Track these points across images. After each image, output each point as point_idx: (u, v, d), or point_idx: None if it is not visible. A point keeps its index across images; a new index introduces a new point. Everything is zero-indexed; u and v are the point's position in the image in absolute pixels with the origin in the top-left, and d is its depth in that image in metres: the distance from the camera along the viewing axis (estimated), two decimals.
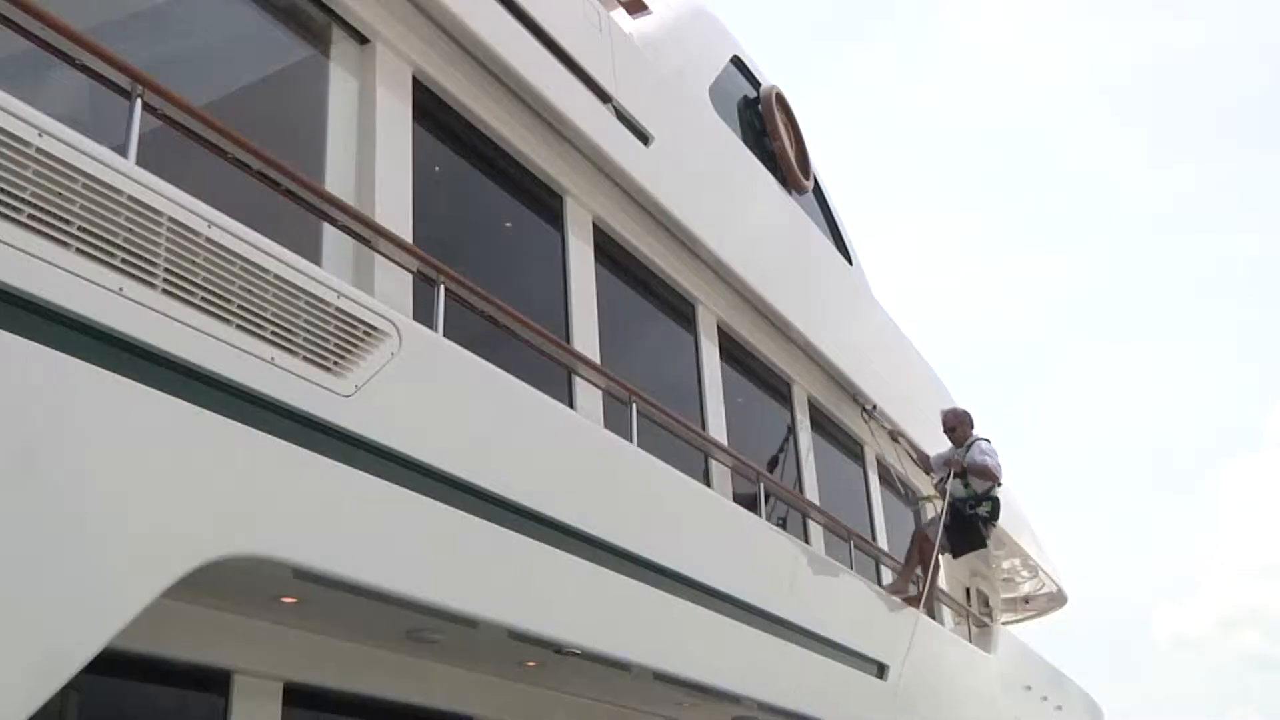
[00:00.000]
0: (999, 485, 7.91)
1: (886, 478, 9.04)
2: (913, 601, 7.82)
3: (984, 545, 8.06)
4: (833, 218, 9.39)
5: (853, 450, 9.18)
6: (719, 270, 6.84)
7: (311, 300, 3.46)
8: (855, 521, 8.33)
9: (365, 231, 4.19)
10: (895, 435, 9.02)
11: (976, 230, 48.85)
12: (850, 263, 9.51)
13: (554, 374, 5.40)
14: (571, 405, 5.37)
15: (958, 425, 8.22)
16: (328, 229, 4.19)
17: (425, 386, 3.91)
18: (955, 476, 7.96)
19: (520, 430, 4.36)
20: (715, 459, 6.37)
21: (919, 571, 8.02)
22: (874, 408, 8.84)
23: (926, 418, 10.18)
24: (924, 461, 8.85)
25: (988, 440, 8.02)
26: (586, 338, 5.67)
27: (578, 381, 5.48)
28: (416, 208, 4.66)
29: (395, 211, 4.51)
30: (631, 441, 5.30)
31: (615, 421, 5.42)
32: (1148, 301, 45.67)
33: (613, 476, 5.02)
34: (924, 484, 9.43)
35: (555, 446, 4.63)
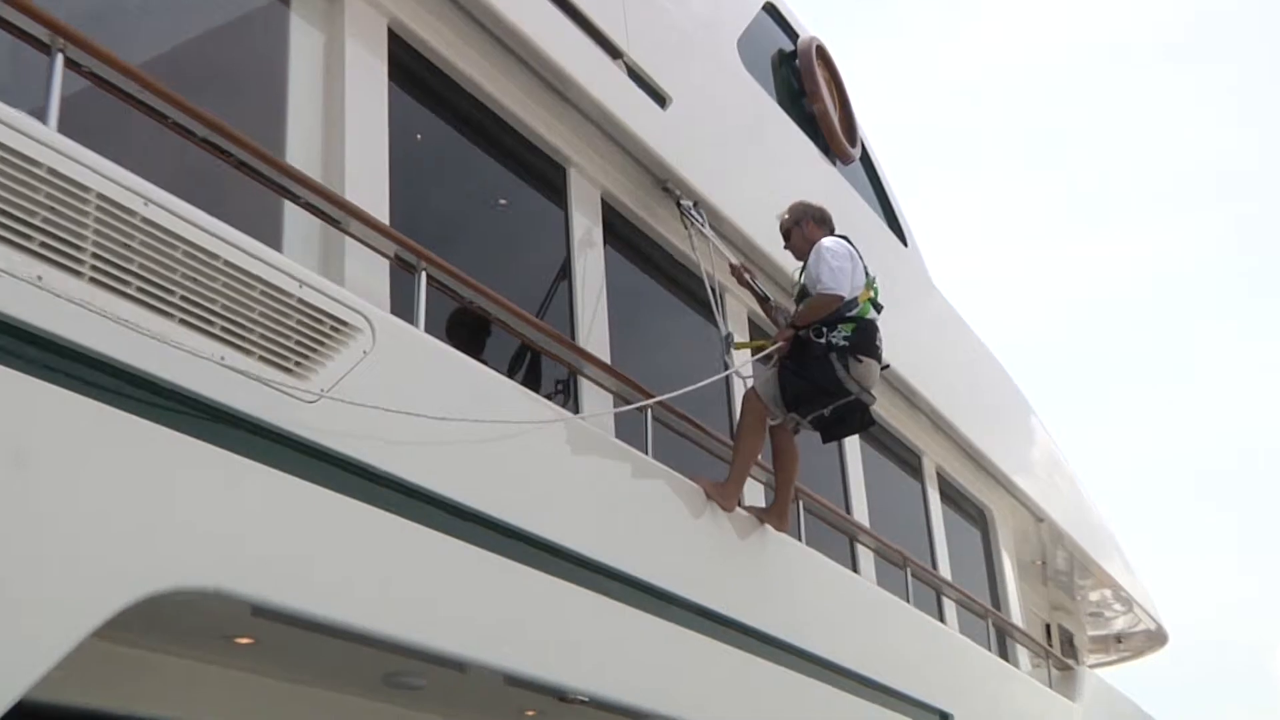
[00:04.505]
0: (844, 298, 5.42)
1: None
2: (766, 517, 5.83)
3: (845, 395, 5.48)
4: (884, 191, 9.33)
5: (910, 462, 9.11)
6: (750, 253, 6.79)
7: (269, 290, 3.45)
8: (905, 545, 8.25)
9: (333, 210, 4.18)
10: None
11: (1051, 200, 48.33)
12: (905, 243, 9.45)
13: (558, 374, 5.38)
14: (576, 410, 5.34)
15: (793, 228, 5.87)
16: (289, 208, 4.17)
17: (404, 390, 3.88)
18: (797, 303, 5.70)
19: (516, 441, 4.34)
20: (755, 479, 6.32)
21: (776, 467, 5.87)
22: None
23: (996, 421, 10.10)
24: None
25: (839, 239, 5.65)
26: (595, 333, 5.65)
27: (584, 383, 5.45)
28: (393, 183, 4.64)
29: (368, 187, 4.50)
30: (646, 452, 5.27)
31: (628, 430, 5.39)
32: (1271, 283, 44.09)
33: (625, 494, 5.00)
34: None
35: (557, 460, 4.61)
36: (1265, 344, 44.41)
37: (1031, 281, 46.03)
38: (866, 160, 9.14)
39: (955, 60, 49.14)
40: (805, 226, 5.84)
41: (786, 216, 5.95)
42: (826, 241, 5.60)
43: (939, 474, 9.44)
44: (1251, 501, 42.07)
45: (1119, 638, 14.18)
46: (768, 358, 5.64)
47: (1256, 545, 40.37)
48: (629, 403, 5.48)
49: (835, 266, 5.46)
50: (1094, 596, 13.06)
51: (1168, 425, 44.23)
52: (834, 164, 8.35)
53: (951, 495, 9.62)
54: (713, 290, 6.03)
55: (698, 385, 5.45)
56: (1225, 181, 44.79)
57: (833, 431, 5.85)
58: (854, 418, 5.70)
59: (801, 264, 5.79)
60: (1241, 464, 42.55)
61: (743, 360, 6.06)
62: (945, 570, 8.98)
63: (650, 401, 5.34)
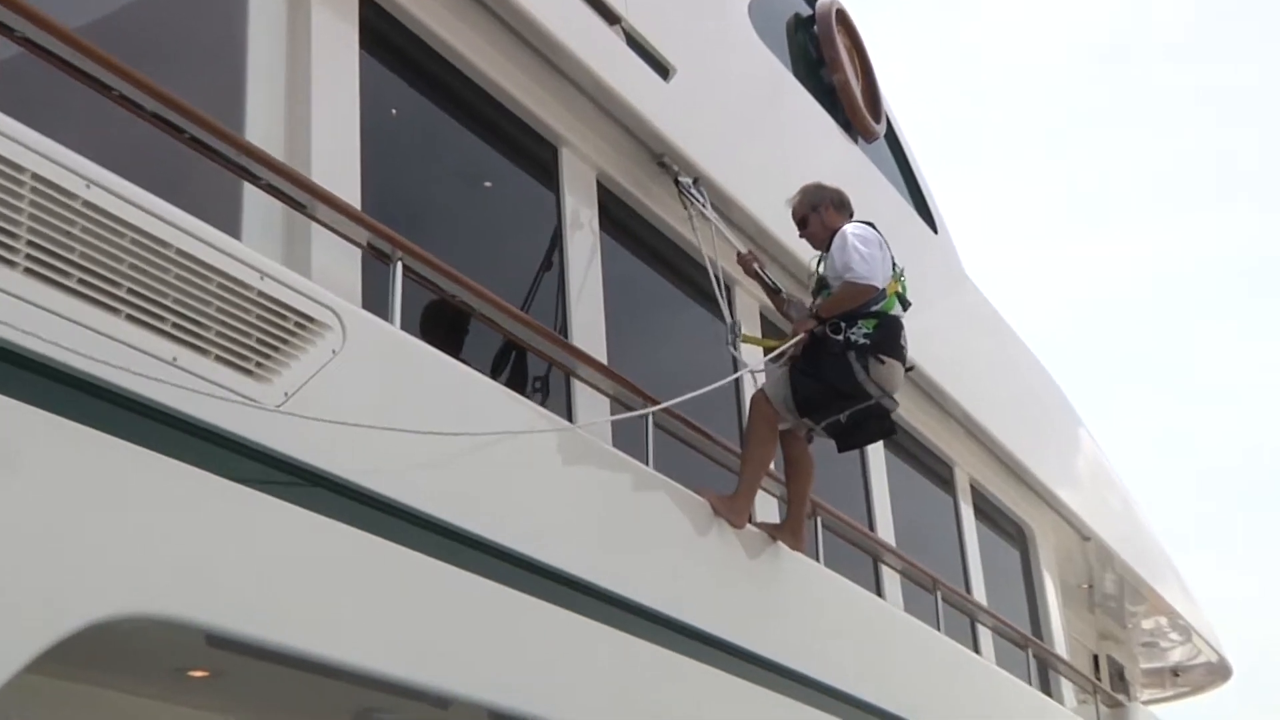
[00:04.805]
0: (879, 293, 5.44)
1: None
2: (780, 535, 5.83)
3: (863, 399, 5.46)
4: (911, 172, 9.36)
5: (940, 474, 9.13)
6: (762, 241, 6.81)
7: (226, 283, 3.45)
8: (935, 566, 8.24)
9: (298, 193, 4.19)
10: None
11: (1051, 200, 48.91)
12: (935, 230, 9.47)
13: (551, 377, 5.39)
14: (569, 416, 5.35)
15: (809, 214, 5.82)
16: (248, 191, 4.18)
17: (378, 394, 3.90)
18: (814, 296, 5.72)
19: (504, 452, 4.35)
20: (768, 492, 6.32)
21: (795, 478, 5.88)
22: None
23: (1038, 428, 10.08)
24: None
25: (864, 225, 5.64)
26: (589, 330, 5.67)
27: (578, 386, 5.47)
28: (366, 163, 4.65)
29: (338, 167, 4.50)
30: (647, 463, 5.28)
31: (627, 438, 5.40)
32: None
33: (623, 510, 5.02)
34: None
35: (549, 472, 4.63)
36: (1266, 344, 45.50)
37: (1032, 281, 46.78)
38: (892, 137, 9.15)
39: (955, 58, 49.86)
40: (824, 212, 5.80)
41: (800, 200, 5.89)
42: (852, 228, 5.58)
43: (973, 487, 9.45)
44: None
45: (1176, 671, 14.17)
46: (782, 354, 5.63)
47: None
48: (627, 407, 5.49)
49: (865, 254, 5.43)
50: (1147, 624, 13.07)
51: (1169, 425, 44.78)
52: (856, 141, 8.36)
53: (987, 511, 9.63)
54: (717, 279, 6.02)
55: (706, 389, 5.43)
56: (1225, 182, 45.88)
57: (849, 439, 5.84)
58: (873, 424, 5.68)
59: (821, 253, 5.78)
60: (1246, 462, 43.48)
61: (753, 356, 6.05)
62: (980, 594, 8.98)
63: (654, 409, 5.34)
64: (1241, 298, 45.61)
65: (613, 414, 5.50)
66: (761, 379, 5.87)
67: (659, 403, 5.41)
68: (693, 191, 6.26)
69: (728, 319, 6.02)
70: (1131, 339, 49.36)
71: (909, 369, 5.66)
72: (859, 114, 8.40)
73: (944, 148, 45.91)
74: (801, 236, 5.95)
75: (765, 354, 5.91)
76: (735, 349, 5.94)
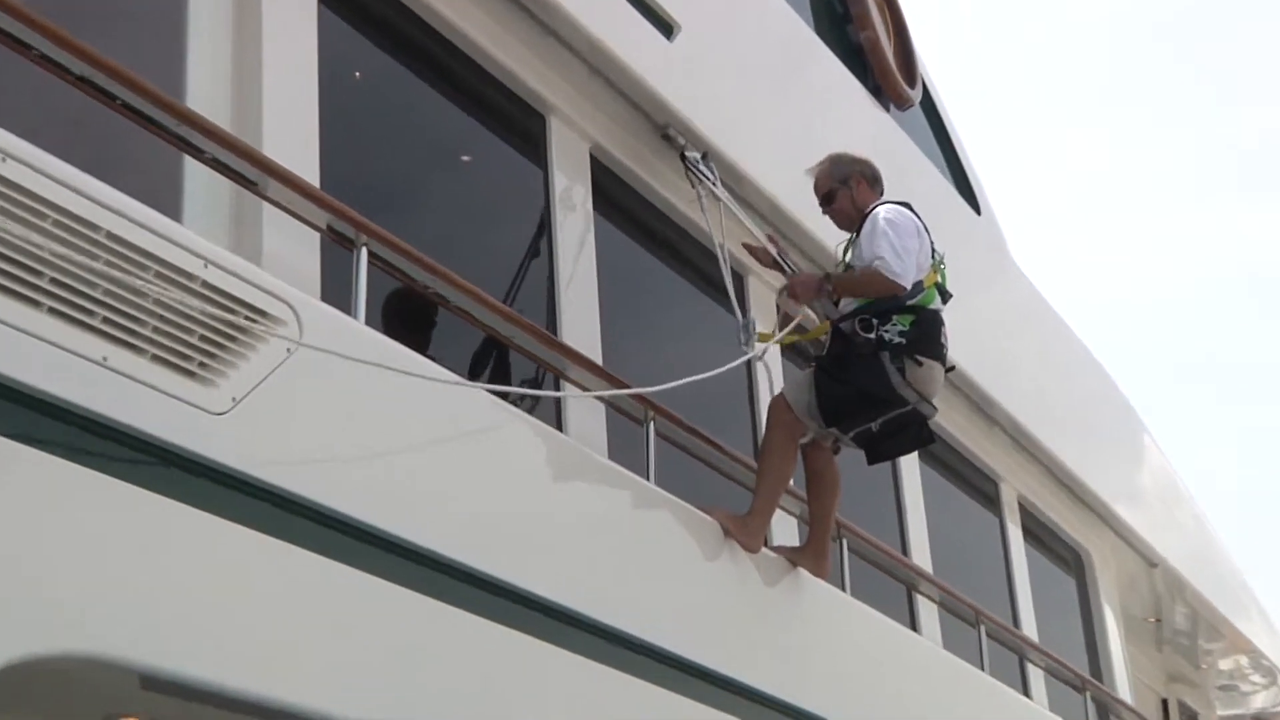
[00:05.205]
0: (905, 289, 5.36)
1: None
2: (801, 560, 5.84)
3: (899, 405, 5.44)
4: (951, 145, 9.39)
5: (985, 490, 9.12)
6: (778, 221, 6.81)
7: (165, 270, 3.44)
8: (979, 596, 8.21)
9: (248, 168, 4.19)
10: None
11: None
12: (978, 211, 9.49)
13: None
14: (560, 426, 5.35)
15: (837, 188, 5.77)
16: (190, 166, 4.18)
17: (339, 399, 3.91)
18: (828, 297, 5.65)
19: (484, 465, 4.36)
20: (787, 511, 6.34)
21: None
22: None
23: (1097, 439, 10.08)
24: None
25: (900, 207, 5.60)
26: (581, 324, 5.68)
27: (567, 388, 5.46)
28: (325, 134, 4.66)
29: (293, 139, 4.51)
30: (648, 478, 5.29)
31: (625, 449, 5.39)
32: None
33: (621, 531, 5.01)
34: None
35: (536, 488, 4.63)
36: None
37: (1093, 267, 46.80)
38: (929, 104, 9.16)
39: (999, 12, 49.95)
40: (855, 186, 5.76)
41: (826, 171, 5.84)
42: (886, 211, 5.55)
43: (1021, 505, 9.46)
44: None
45: (1258, 717, 14.17)
46: (807, 351, 5.61)
47: None
48: (624, 413, 5.49)
49: (900, 245, 5.39)
50: (1225, 664, 13.10)
51: (1245, 427, 44.78)
52: (887, 109, 8.36)
53: (1038, 532, 9.65)
54: (728, 266, 6.01)
55: (712, 373, 5.37)
56: None
57: (882, 450, 5.84)
58: (910, 433, 5.68)
59: (850, 236, 5.77)
60: None
61: (770, 357, 6.04)
62: (1030, 629, 8.99)
63: (646, 390, 5.31)
64: None
65: (609, 423, 5.50)
66: (778, 378, 5.85)
67: (656, 404, 5.41)
68: (701, 168, 6.26)
69: (739, 315, 5.99)
70: (1195, 335, 49.40)
71: (949, 370, 5.65)
72: (890, 77, 8.41)
73: (987, 116, 45.98)
74: (825, 214, 5.92)
75: (783, 343, 5.87)
76: (749, 348, 5.93)
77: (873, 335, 5.38)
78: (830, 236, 6.11)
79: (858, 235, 5.62)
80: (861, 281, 5.45)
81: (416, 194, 5.42)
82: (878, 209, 5.58)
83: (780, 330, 5.96)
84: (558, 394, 5.46)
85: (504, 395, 4.77)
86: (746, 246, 6.26)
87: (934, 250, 5.62)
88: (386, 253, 4.47)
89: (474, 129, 5.73)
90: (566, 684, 4.47)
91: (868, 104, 8.11)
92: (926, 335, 5.46)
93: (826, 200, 5.87)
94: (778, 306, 6.10)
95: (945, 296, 5.63)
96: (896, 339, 5.39)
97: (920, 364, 5.42)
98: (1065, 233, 49.23)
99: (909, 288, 5.41)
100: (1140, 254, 49.07)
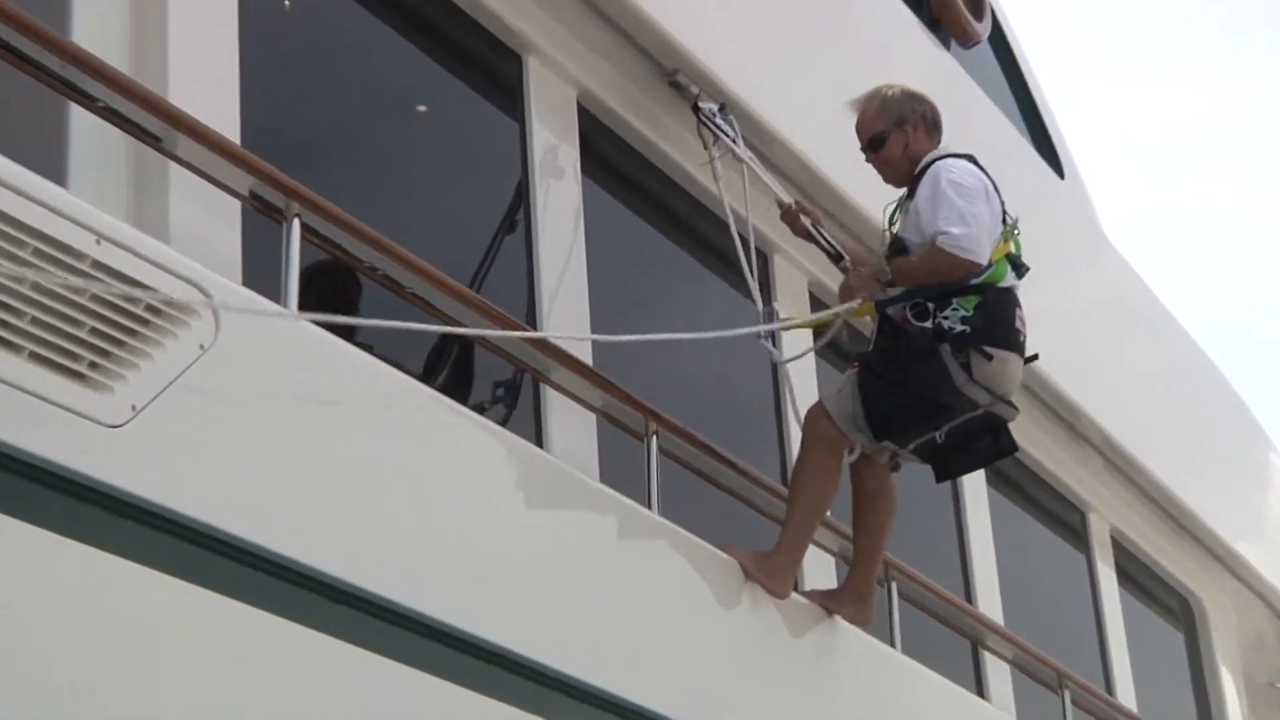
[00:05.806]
0: (981, 265, 5.37)
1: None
2: (839, 606, 5.85)
3: (967, 409, 5.41)
4: (1029, 92, 9.47)
5: (1069, 523, 9.10)
6: (814, 190, 6.81)
7: (47, 248, 3.43)
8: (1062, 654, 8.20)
9: (150, 121, 4.19)
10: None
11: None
12: (1061, 173, 9.54)
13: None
14: (540, 441, 5.39)
15: (890, 131, 5.70)
16: (78, 116, 4.19)
17: (264, 409, 3.91)
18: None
19: (449, 489, 4.38)
20: (823, 547, 6.33)
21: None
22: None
23: (1210, 460, 10.11)
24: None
25: (964, 160, 5.60)
26: (567, 312, 5.71)
27: (549, 394, 5.49)
28: (246, 80, 4.67)
29: (207, 85, 4.52)
30: (650, 506, 5.31)
31: (621, 470, 5.42)
32: None
33: (618, 571, 5.03)
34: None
35: (514, 517, 4.65)
36: None
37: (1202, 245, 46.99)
38: (1000, 41, 9.21)
39: None
40: (912, 131, 5.70)
41: (877, 108, 5.74)
42: (948, 166, 5.51)
43: (1115, 541, 9.52)
44: None
45: None
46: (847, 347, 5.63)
47: None
48: (618, 423, 5.52)
49: (968, 211, 5.35)
50: None
51: None
52: (948, 47, 8.40)
53: (1137, 575, 9.72)
54: (745, 243, 6.02)
55: (708, 334, 5.42)
56: None
57: (953, 465, 5.85)
58: (985, 441, 5.66)
59: (899, 197, 5.73)
60: None
61: (801, 347, 6.09)
62: (1127, 694, 9.03)
63: (633, 338, 5.34)
64: None
65: (601, 437, 5.55)
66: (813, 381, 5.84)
67: (660, 415, 5.45)
68: (718, 121, 6.25)
69: (758, 301, 5.98)
70: None
71: (1030, 360, 5.59)
72: (953, 9, 8.42)
73: (1076, 59, 46.17)
74: (869, 161, 5.84)
75: (816, 335, 5.95)
76: (773, 343, 5.93)
77: (929, 324, 5.36)
78: (877, 200, 6.01)
79: (910, 197, 5.60)
80: (926, 267, 5.41)
81: (361, 154, 5.44)
82: (937, 164, 5.54)
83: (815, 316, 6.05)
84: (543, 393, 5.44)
85: (472, 402, 4.77)
86: (782, 207, 6.20)
87: (1005, 214, 5.57)
88: (323, 225, 4.48)
89: (433, 72, 5.75)
90: None
91: (925, 41, 8.14)
92: (997, 319, 5.41)
93: (872, 145, 5.78)
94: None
95: (1020, 270, 5.57)
96: (959, 327, 5.34)
97: (990, 357, 5.36)
98: (1162, 200, 49.54)
99: (984, 262, 5.37)
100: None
